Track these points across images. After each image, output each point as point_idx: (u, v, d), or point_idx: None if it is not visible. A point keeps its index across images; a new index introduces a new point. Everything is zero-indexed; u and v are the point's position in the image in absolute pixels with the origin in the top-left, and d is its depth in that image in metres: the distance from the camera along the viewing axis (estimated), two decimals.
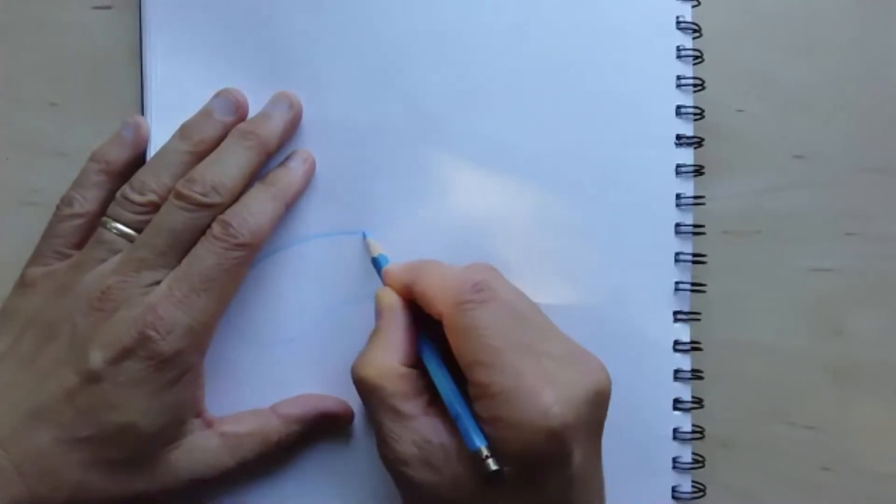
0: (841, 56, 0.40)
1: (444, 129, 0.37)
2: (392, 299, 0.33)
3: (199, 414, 0.34)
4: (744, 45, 0.40)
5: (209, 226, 0.33)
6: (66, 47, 0.38)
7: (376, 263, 0.36)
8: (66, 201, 0.35)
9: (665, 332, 0.38)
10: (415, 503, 0.31)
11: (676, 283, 0.38)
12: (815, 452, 0.40)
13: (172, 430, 0.33)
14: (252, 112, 0.36)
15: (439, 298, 0.31)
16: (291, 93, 0.36)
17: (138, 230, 0.33)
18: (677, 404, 0.38)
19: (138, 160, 0.36)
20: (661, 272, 0.38)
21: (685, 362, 0.38)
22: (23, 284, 0.34)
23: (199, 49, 0.37)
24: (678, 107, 0.38)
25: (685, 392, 0.38)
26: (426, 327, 0.33)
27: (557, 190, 0.37)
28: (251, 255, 0.34)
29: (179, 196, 0.33)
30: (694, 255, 0.38)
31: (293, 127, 0.36)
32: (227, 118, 0.36)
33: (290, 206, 0.36)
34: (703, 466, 0.38)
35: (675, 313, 0.38)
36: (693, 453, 0.38)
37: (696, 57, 0.38)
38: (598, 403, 0.30)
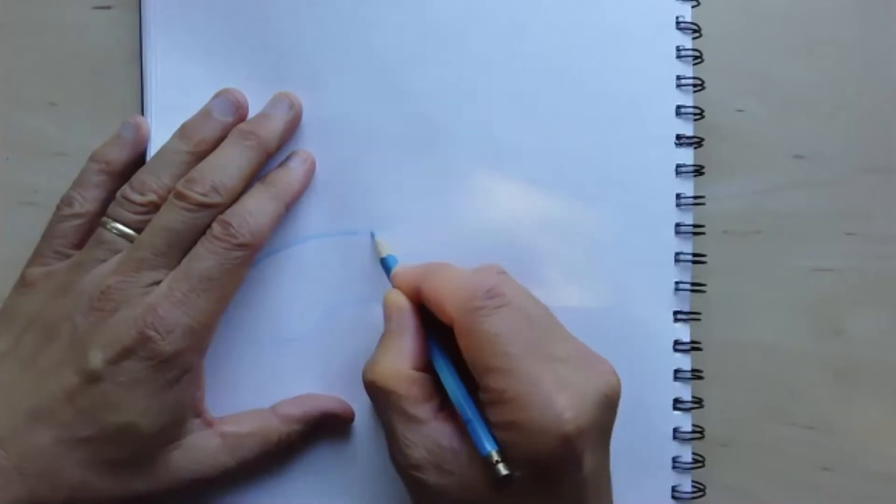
0: (841, 56, 0.40)
1: (444, 128, 0.37)
2: (401, 302, 0.33)
3: (198, 414, 0.34)
4: (744, 45, 0.40)
5: (209, 226, 0.33)
6: (66, 47, 0.38)
7: (385, 264, 0.35)
8: (65, 201, 0.35)
9: (665, 332, 0.38)
10: None
11: (676, 283, 0.38)
12: (815, 452, 0.40)
13: (172, 430, 0.33)
14: (252, 112, 0.36)
15: (450, 304, 0.31)
16: (291, 93, 0.36)
17: (138, 230, 0.33)
18: (677, 404, 0.38)
19: (138, 160, 0.36)
20: (661, 272, 0.38)
21: (685, 362, 0.38)
22: (23, 284, 0.34)
23: (199, 49, 0.37)
24: (678, 107, 0.38)
25: (685, 392, 0.38)
26: (435, 330, 0.33)
27: (557, 190, 0.37)
28: (252, 255, 0.34)
29: (180, 196, 0.33)
30: (694, 255, 0.38)
31: (293, 127, 0.36)
32: (227, 118, 0.36)
33: (291, 207, 0.36)
34: (703, 466, 0.38)
35: (675, 313, 0.38)
36: (693, 453, 0.38)
37: (696, 57, 0.38)
38: (608, 406, 0.30)
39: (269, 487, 0.36)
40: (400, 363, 0.31)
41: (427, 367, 0.32)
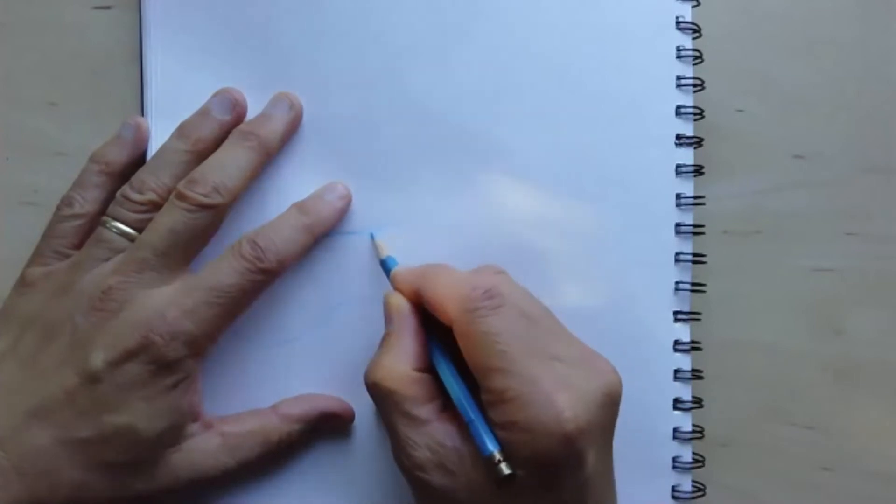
0: (841, 56, 0.40)
1: (444, 129, 0.37)
2: (401, 303, 0.33)
3: (196, 418, 0.34)
4: (744, 45, 0.40)
5: (210, 226, 0.33)
6: (66, 47, 0.38)
7: (384, 266, 0.35)
8: (66, 202, 0.35)
9: (665, 332, 0.38)
10: None
11: (676, 283, 0.38)
12: (815, 452, 0.40)
13: (171, 434, 0.33)
14: (252, 113, 0.36)
15: (449, 305, 0.31)
16: (292, 93, 0.36)
17: (138, 229, 0.33)
18: (677, 404, 0.38)
19: (138, 160, 0.36)
20: (661, 272, 0.38)
21: (685, 362, 0.38)
22: (22, 284, 0.34)
23: (199, 49, 0.37)
24: (678, 107, 0.38)
25: (685, 392, 0.38)
26: (436, 330, 0.33)
27: (557, 189, 0.37)
28: (272, 281, 0.34)
29: (181, 197, 0.33)
30: (694, 255, 0.38)
31: (294, 127, 0.36)
32: (225, 117, 0.36)
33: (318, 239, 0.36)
34: (702, 466, 0.38)
35: (675, 313, 0.38)
36: (693, 453, 0.38)
37: (696, 57, 0.38)
38: (609, 405, 0.30)
39: (270, 487, 0.36)
40: (401, 364, 0.32)
41: (428, 368, 0.32)
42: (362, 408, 0.37)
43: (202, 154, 0.35)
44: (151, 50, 0.37)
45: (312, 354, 0.37)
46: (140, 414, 0.31)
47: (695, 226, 0.38)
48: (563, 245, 0.37)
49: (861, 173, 0.40)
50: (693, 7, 0.38)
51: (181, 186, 0.33)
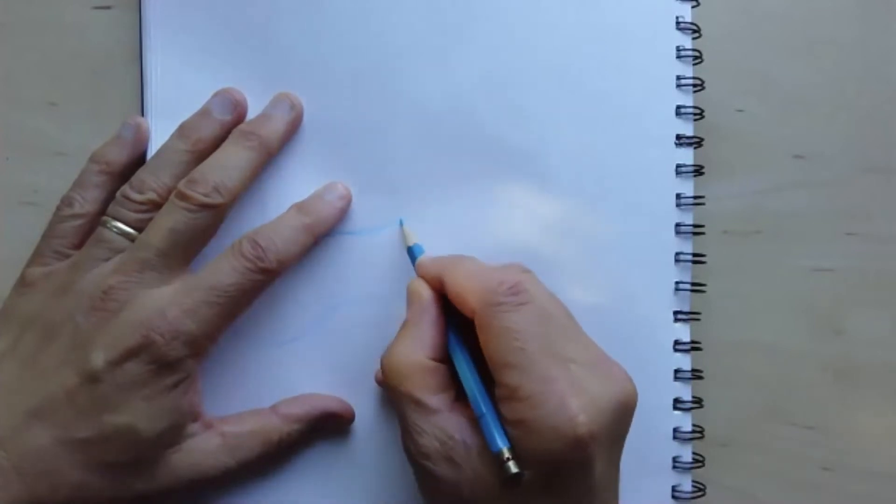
0: (841, 56, 0.40)
1: (444, 129, 0.37)
2: (423, 291, 0.33)
3: (196, 418, 0.34)
4: (744, 45, 0.40)
5: (210, 226, 0.33)
6: (66, 47, 0.38)
7: (411, 253, 0.35)
8: (66, 202, 0.35)
9: (665, 331, 0.38)
10: (433, 497, 0.31)
11: (676, 283, 0.38)
12: (815, 452, 0.40)
13: (171, 434, 0.33)
14: (252, 113, 0.36)
15: (473, 297, 0.31)
16: (292, 93, 0.36)
17: (139, 229, 0.33)
18: (677, 404, 0.38)
19: (139, 160, 0.36)
20: (661, 272, 0.38)
21: (685, 362, 0.38)
22: (22, 284, 0.34)
23: (199, 49, 0.37)
24: (678, 107, 0.38)
25: (685, 392, 0.38)
26: (456, 322, 0.33)
27: (557, 189, 0.37)
28: (272, 280, 0.34)
29: (182, 196, 0.33)
30: (694, 255, 0.38)
31: (294, 127, 0.36)
32: (226, 117, 0.36)
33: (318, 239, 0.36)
34: (702, 466, 0.38)
35: (675, 313, 0.38)
36: (693, 453, 0.38)
37: (696, 57, 0.38)
38: (623, 415, 0.30)
39: (270, 487, 0.36)
40: (417, 351, 0.31)
41: (445, 359, 0.32)
42: (362, 408, 0.37)
43: (202, 154, 0.35)
44: (151, 50, 0.37)
45: (312, 354, 0.37)
46: (140, 414, 0.31)
47: (695, 226, 0.38)
48: (563, 245, 0.37)
49: (861, 173, 0.40)
50: (693, 7, 0.38)
51: (182, 186, 0.33)
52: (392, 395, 0.32)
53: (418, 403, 0.30)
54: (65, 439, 0.31)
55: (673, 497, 0.37)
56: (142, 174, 0.34)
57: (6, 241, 0.38)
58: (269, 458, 0.35)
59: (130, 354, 0.31)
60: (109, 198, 0.35)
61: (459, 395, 0.31)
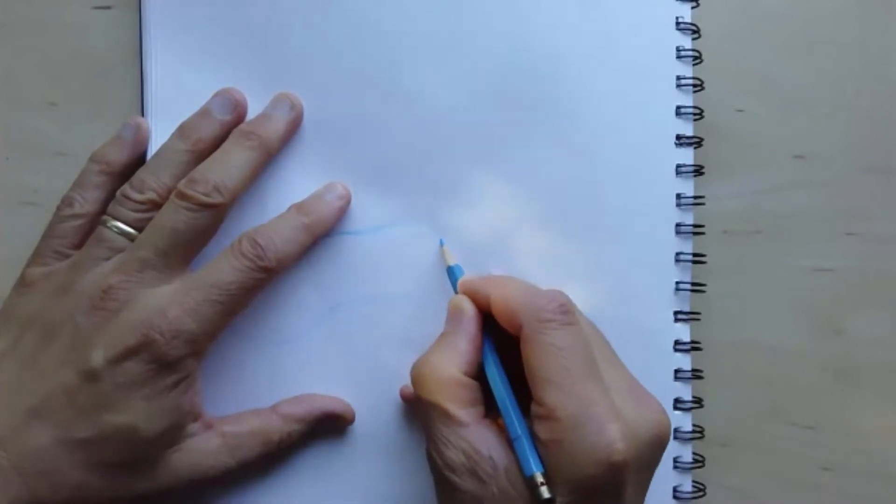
0: (841, 56, 0.40)
1: (444, 129, 0.37)
2: (466, 306, 0.33)
3: (197, 418, 0.34)
4: (744, 45, 0.40)
5: (210, 226, 0.33)
6: (66, 47, 0.38)
7: (451, 273, 0.36)
8: (66, 202, 0.35)
9: (665, 332, 0.38)
10: None
11: (677, 283, 0.38)
12: (815, 452, 0.40)
13: (171, 434, 0.33)
14: (252, 113, 0.36)
15: (521, 311, 0.31)
16: (292, 94, 0.36)
17: (138, 229, 0.33)
18: (677, 404, 0.38)
19: (139, 161, 0.36)
20: (661, 272, 0.38)
21: (685, 362, 0.38)
22: (22, 284, 0.34)
23: (199, 49, 0.37)
24: (678, 107, 0.38)
25: (685, 392, 0.38)
26: (495, 342, 0.33)
27: (557, 190, 0.37)
28: (271, 279, 0.34)
29: (182, 196, 0.33)
30: (694, 255, 0.38)
31: (294, 128, 0.37)
32: (226, 117, 0.36)
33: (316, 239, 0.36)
34: (703, 466, 0.38)
35: (676, 313, 0.38)
36: (693, 453, 0.38)
37: (696, 57, 0.38)
38: (658, 447, 0.30)
39: (270, 487, 0.36)
40: (450, 363, 0.31)
41: (477, 376, 0.32)
42: (363, 408, 0.37)
43: (202, 154, 0.35)
44: (151, 50, 0.37)
45: (312, 354, 0.37)
46: (140, 413, 0.31)
47: (695, 226, 0.38)
48: (563, 245, 0.37)
49: (861, 173, 0.40)
50: (693, 7, 0.38)
51: (182, 185, 0.33)
52: (420, 404, 0.32)
53: (447, 415, 0.30)
54: (65, 439, 0.31)
55: (674, 497, 0.37)
56: (142, 174, 0.34)
57: (6, 241, 0.38)
58: (269, 458, 0.35)
59: (130, 353, 0.31)
60: (110, 198, 0.35)
61: (488, 412, 0.31)
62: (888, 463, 0.40)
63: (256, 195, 0.36)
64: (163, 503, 0.33)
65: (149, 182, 0.34)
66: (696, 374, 0.38)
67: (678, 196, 0.38)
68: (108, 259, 0.33)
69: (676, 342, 0.38)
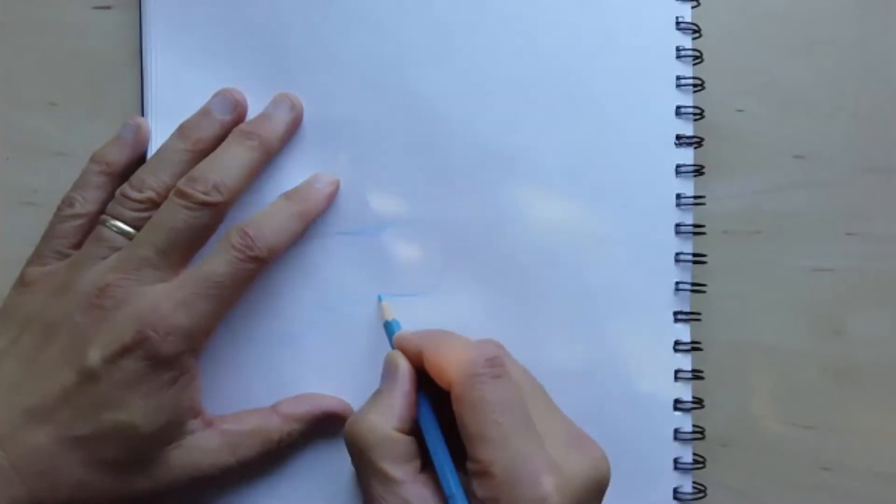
0: (841, 56, 0.40)
1: (445, 129, 0.37)
2: (402, 363, 0.33)
3: (196, 415, 0.34)
4: (744, 45, 0.40)
5: (209, 225, 0.33)
6: (66, 47, 0.38)
7: (388, 328, 0.35)
8: (66, 202, 0.35)
9: (665, 332, 0.38)
10: None
11: (677, 283, 0.38)
12: (815, 452, 0.40)
13: (171, 431, 0.33)
14: (252, 113, 0.36)
15: (453, 368, 0.31)
16: (292, 94, 0.36)
17: (137, 228, 0.33)
18: (678, 404, 0.38)
19: (139, 161, 0.36)
20: (661, 272, 0.38)
21: (685, 362, 0.38)
22: (22, 284, 0.34)
23: (200, 49, 0.37)
24: (678, 107, 0.38)
25: (685, 392, 0.38)
26: (430, 398, 0.32)
27: (557, 190, 0.37)
28: (263, 269, 0.34)
29: (181, 194, 0.33)
30: (694, 255, 0.38)
31: (294, 128, 0.37)
32: (226, 117, 0.36)
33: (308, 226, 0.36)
34: (703, 467, 0.38)
35: (676, 313, 0.38)
36: (694, 453, 0.38)
37: (696, 57, 0.38)
38: (596, 490, 0.30)
39: (269, 487, 0.36)
40: (384, 421, 0.31)
41: (413, 433, 0.32)
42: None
43: (202, 154, 0.35)
44: (151, 50, 0.37)
45: (312, 354, 0.37)
46: (138, 410, 0.31)
47: (695, 226, 0.38)
48: (562, 245, 0.37)
49: (861, 173, 0.40)
50: (693, 7, 0.38)
51: (181, 184, 0.33)
52: (355, 462, 0.32)
53: (382, 473, 0.30)
54: (64, 438, 0.31)
55: (675, 498, 0.37)
56: (141, 173, 0.34)
57: (6, 241, 0.38)
58: (269, 458, 0.35)
59: (126, 350, 0.31)
60: (110, 198, 0.35)
61: (425, 466, 0.31)
62: (888, 463, 0.40)
63: (256, 196, 0.36)
64: (163, 502, 0.33)
65: (148, 181, 0.34)
66: (696, 375, 0.38)
67: (678, 196, 0.38)
68: (106, 258, 0.33)
69: (676, 342, 0.38)
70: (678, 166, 0.38)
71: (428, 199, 0.37)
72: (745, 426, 0.40)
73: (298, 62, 0.37)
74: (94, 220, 0.35)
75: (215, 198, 0.33)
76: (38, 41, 0.38)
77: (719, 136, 0.39)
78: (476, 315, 0.37)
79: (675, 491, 0.37)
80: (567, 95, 0.37)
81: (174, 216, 0.33)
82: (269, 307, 0.36)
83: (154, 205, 0.34)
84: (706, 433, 0.38)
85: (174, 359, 0.32)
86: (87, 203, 0.35)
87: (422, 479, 0.31)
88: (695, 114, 0.38)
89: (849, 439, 0.40)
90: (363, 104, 0.37)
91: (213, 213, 0.33)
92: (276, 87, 0.37)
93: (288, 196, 0.36)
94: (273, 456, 0.35)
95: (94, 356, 0.31)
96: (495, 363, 0.30)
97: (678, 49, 0.38)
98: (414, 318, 0.36)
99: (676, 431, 0.37)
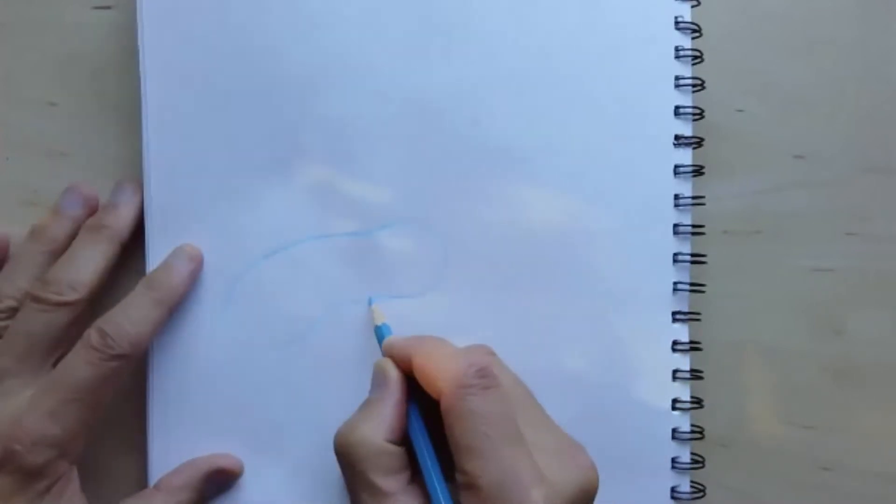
0: (841, 56, 0.40)
1: (443, 129, 0.37)
2: (391, 372, 0.32)
3: None
4: (744, 45, 0.40)
5: (70, 322, 0.33)
6: (66, 47, 0.38)
7: (378, 333, 0.35)
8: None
9: (664, 332, 0.38)
10: None
11: (675, 283, 0.38)
12: (815, 452, 0.40)
13: None
14: (259, 109, 0.36)
15: (441, 378, 0.30)
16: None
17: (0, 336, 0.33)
18: (676, 404, 0.38)
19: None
20: (659, 272, 0.37)
21: (684, 362, 0.38)
22: None
23: (198, 49, 0.37)
24: (677, 107, 0.38)
25: (684, 392, 0.38)
26: (420, 406, 0.32)
27: (556, 190, 0.37)
28: (130, 364, 0.33)
29: (35, 299, 0.33)
30: (693, 255, 0.38)
31: (139, 212, 0.36)
32: (77, 212, 0.36)
33: (174, 310, 0.35)
34: (702, 467, 0.38)
35: (674, 313, 0.38)
36: (692, 453, 0.38)
37: (696, 57, 0.38)
38: (585, 500, 0.30)
39: (269, 487, 0.36)
40: (374, 432, 0.31)
41: (403, 441, 0.31)
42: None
43: (58, 252, 0.35)
44: (149, 50, 0.36)
45: (312, 355, 0.37)
46: None
47: (694, 226, 0.38)
48: (561, 245, 0.37)
49: (861, 173, 0.40)
50: (693, 7, 0.38)
51: (35, 289, 0.33)
52: (345, 473, 0.31)
53: (372, 487, 0.30)
54: None
55: (672, 497, 0.37)
56: None
57: None
58: None
59: None
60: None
61: (415, 476, 0.31)
62: (888, 463, 0.40)
63: (257, 195, 0.36)
64: None
65: (5, 290, 0.34)
66: (695, 375, 0.38)
67: (676, 196, 0.38)
68: None
69: (675, 342, 0.38)
70: (677, 167, 0.38)
71: (427, 200, 0.37)
72: (744, 426, 0.40)
73: (295, 62, 0.37)
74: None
75: (71, 297, 0.33)
76: (38, 41, 0.38)
77: (719, 136, 0.39)
78: (474, 316, 0.37)
79: (673, 490, 0.37)
80: (566, 95, 0.37)
81: (30, 321, 0.33)
82: (268, 309, 0.36)
83: (14, 312, 0.34)
84: (706, 433, 0.38)
85: (44, 468, 0.31)
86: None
87: (411, 490, 0.30)
88: (694, 114, 0.38)
89: (849, 439, 0.40)
90: (361, 103, 0.37)
91: (71, 311, 0.33)
92: (273, 85, 0.37)
93: (147, 282, 0.35)
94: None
95: None
96: (485, 373, 0.30)
97: (677, 49, 0.38)
98: (411, 320, 0.36)
99: (675, 431, 0.37)
